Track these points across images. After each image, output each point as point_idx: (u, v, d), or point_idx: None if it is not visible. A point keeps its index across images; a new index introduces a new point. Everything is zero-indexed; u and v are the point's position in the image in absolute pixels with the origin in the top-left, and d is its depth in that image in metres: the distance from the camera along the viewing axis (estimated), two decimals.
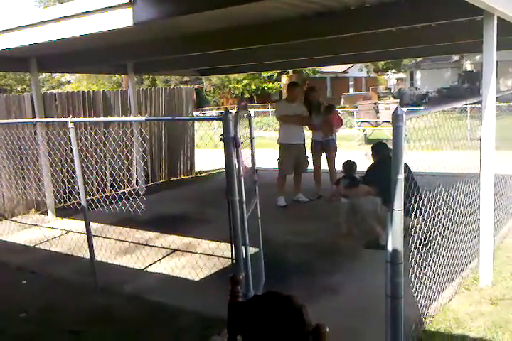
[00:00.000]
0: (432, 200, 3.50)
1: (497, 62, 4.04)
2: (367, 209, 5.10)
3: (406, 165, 2.73)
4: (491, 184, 4.06)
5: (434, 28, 5.42)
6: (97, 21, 3.70)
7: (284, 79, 31.70)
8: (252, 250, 3.77)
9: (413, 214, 3.32)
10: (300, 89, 8.14)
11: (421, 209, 3.40)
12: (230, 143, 3.28)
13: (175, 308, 4.01)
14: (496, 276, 4.21)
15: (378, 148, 5.38)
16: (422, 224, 3.41)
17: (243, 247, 3.49)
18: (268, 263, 4.30)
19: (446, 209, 3.73)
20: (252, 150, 4.10)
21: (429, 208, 3.53)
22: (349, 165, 5.89)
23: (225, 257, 4.75)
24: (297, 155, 7.29)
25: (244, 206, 3.53)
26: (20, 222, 7.33)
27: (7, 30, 4.53)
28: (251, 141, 4.09)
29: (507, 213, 5.53)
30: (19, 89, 33.03)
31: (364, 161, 6.09)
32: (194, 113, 12.60)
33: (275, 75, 32.79)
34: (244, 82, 33.87)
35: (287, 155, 7.26)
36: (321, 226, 6.10)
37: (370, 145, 5.70)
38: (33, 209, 7.87)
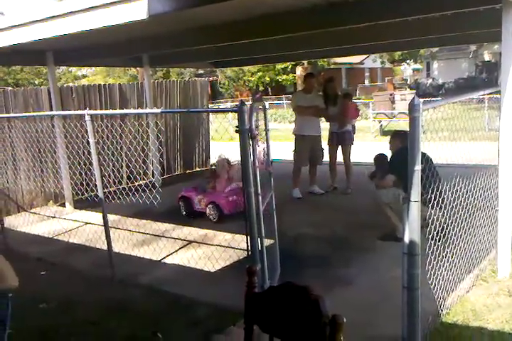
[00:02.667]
0: (449, 191, 3.47)
1: None
2: (386, 200, 5.04)
3: (425, 156, 2.69)
4: (510, 175, 4.00)
5: (452, 17, 5.33)
6: (112, 14, 3.72)
7: (299, 71, 31.50)
8: (267, 241, 3.78)
9: (430, 205, 3.28)
10: (316, 80, 8.08)
11: (439, 200, 3.35)
12: (246, 135, 3.27)
13: (191, 299, 4.05)
14: None
15: (400, 136, 5.22)
16: (439, 215, 3.37)
17: (259, 239, 3.49)
18: (283, 255, 4.31)
19: (464, 200, 3.69)
20: (267, 142, 4.09)
21: (447, 199, 3.50)
22: (381, 159, 5.62)
23: (241, 249, 4.75)
24: (312, 146, 7.25)
25: (260, 197, 3.54)
26: (39, 214, 7.44)
27: (24, 24, 4.58)
28: (266, 132, 4.08)
29: None
30: (36, 82, 33.37)
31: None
32: (209, 105, 12.58)
33: (290, 67, 32.63)
34: (259, 74, 33.74)
35: (302, 146, 7.23)
36: (336, 218, 6.10)
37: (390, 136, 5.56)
38: (51, 201, 7.98)
